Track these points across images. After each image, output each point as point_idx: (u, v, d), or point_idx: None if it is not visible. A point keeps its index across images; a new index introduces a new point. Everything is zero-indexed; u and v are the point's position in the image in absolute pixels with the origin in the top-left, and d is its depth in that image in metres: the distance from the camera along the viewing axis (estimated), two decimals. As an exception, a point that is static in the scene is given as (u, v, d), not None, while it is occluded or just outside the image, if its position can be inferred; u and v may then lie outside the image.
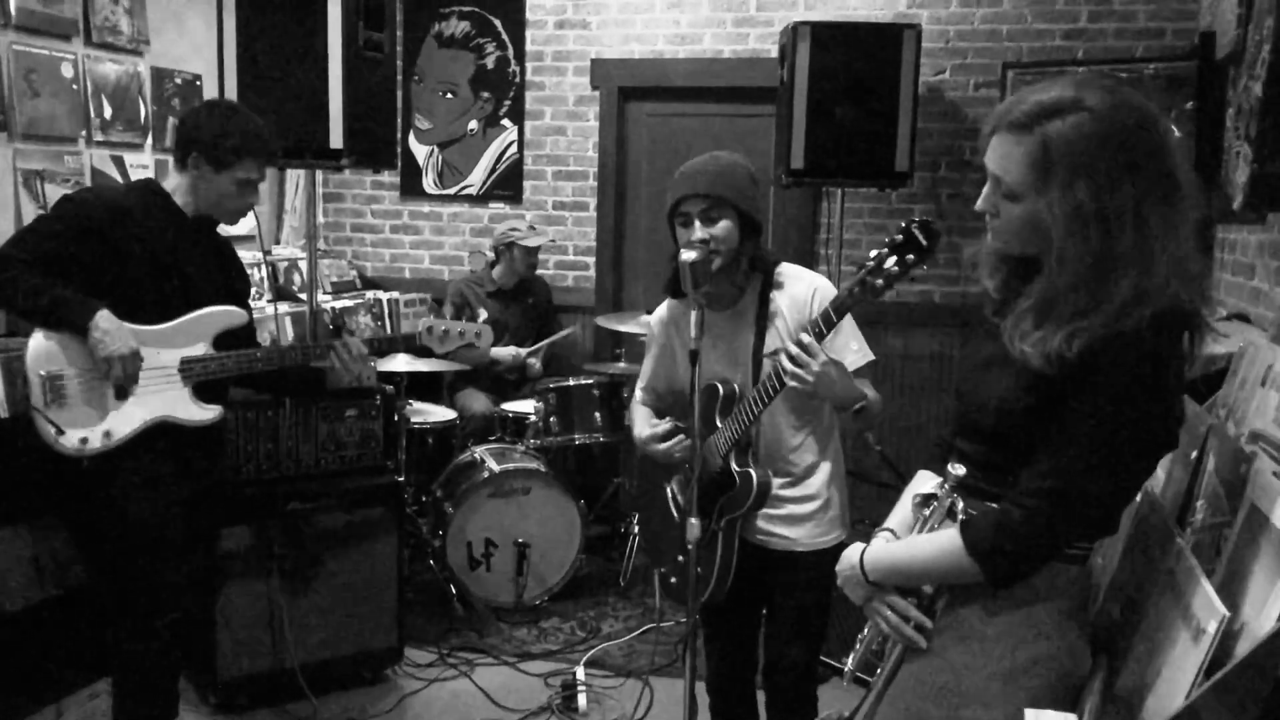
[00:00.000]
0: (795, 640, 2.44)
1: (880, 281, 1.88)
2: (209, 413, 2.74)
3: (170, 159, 2.70)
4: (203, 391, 2.74)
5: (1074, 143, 1.44)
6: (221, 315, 2.77)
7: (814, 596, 2.41)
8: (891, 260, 1.86)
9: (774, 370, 2.12)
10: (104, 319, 2.52)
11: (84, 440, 2.57)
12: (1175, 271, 1.42)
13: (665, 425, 2.42)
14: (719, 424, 2.33)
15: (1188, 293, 1.43)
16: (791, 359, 2.04)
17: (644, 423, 2.56)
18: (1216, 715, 1.22)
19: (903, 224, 1.86)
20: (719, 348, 2.38)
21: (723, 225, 2.26)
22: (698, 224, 2.25)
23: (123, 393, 2.62)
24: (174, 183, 2.74)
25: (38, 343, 2.57)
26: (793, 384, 2.06)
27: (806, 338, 2.04)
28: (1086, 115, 1.45)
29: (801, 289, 2.35)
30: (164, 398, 2.67)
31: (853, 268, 4.77)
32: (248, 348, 2.82)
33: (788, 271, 2.39)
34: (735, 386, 2.34)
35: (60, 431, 2.55)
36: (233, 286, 2.88)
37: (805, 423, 2.38)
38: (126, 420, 2.62)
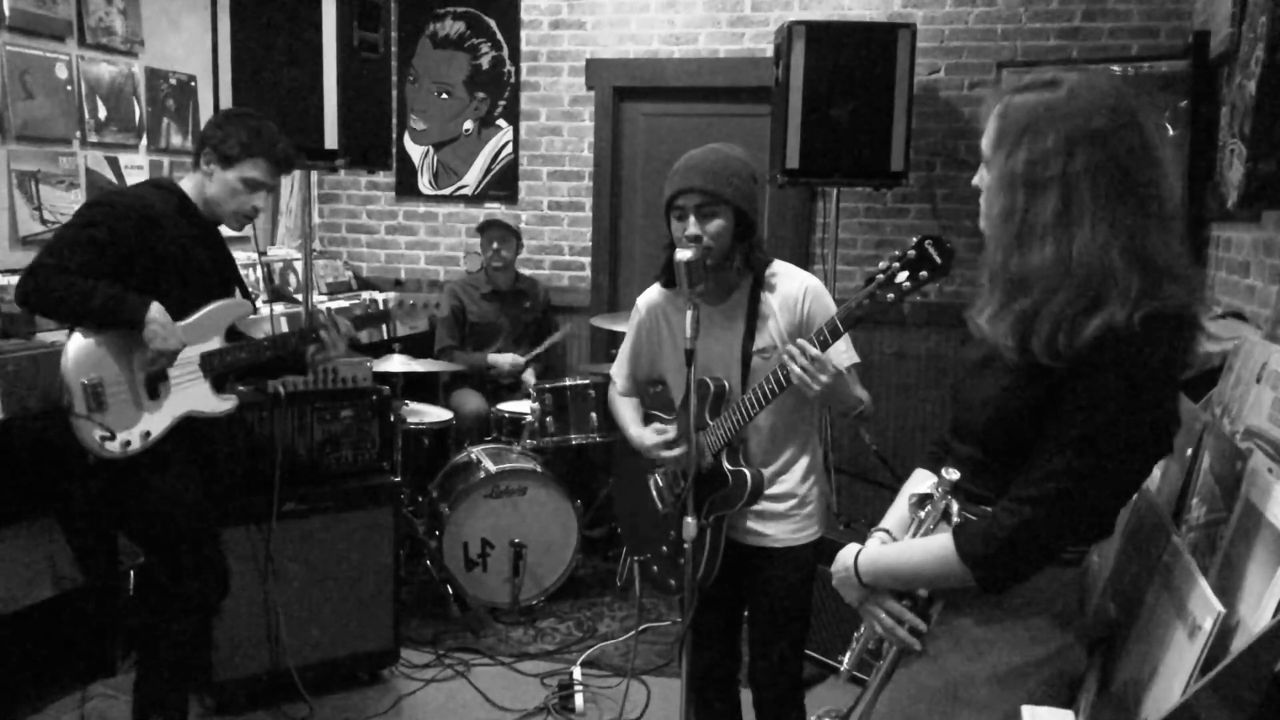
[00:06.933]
0: (776, 638, 2.45)
1: (891, 296, 1.87)
2: (228, 403, 2.83)
3: (164, 159, 2.72)
4: (216, 382, 2.80)
5: (1024, 111, 1.46)
6: (233, 308, 2.84)
7: (792, 593, 2.41)
8: (903, 275, 1.84)
9: (775, 374, 2.12)
10: (157, 311, 2.57)
11: (127, 443, 2.60)
12: (1104, 263, 1.39)
13: (669, 433, 2.41)
14: (709, 421, 2.33)
15: (1176, 294, 1.40)
16: (802, 368, 2.03)
17: (637, 423, 2.55)
18: (1213, 711, 1.22)
19: (915, 239, 1.83)
20: (708, 342, 2.37)
21: (717, 223, 2.25)
22: (692, 220, 2.25)
23: (154, 392, 2.66)
24: (189, 183, 2.79)
25: (79, 348, 2.56)
26: (798, 385, 2.06)
27: (813, 350, 2.02)
28: (1051, 92, 1.46)
29: (794, 288, 2.34)
30: (189, 393, 2.73)
31: (848, 267, 4.81)
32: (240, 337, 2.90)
33: (780, 270, 2.39)
34: (725, 383, 2.34)
35: (111, 437, 2.57)
36: (225, 276, 2.91)
37: (785, 420, 2.38)
38: (160, 419, 2.67)
